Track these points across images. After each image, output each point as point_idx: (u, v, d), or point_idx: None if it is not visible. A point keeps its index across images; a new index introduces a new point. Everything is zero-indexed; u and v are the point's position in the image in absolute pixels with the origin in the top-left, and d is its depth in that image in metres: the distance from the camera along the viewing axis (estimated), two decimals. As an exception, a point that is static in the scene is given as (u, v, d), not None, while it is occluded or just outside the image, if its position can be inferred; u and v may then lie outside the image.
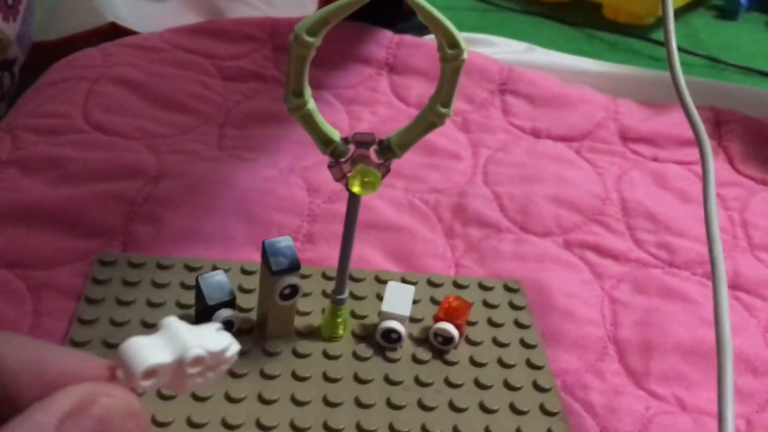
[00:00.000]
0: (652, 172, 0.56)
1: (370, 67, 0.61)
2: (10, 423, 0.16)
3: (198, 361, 0.19)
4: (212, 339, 0.19)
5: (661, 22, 0.77)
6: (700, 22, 1.03)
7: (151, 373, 0.18)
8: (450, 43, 0.29)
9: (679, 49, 0.48)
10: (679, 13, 1.00)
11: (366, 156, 0.32)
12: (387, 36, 0.63)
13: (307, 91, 0.30)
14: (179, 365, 0.19)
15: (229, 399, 0.34)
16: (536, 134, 0.59)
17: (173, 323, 0.19)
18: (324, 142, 0.31)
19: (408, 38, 0.63)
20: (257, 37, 0.61)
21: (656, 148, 0.59)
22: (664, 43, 0.47)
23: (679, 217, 0.52)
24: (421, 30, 0.67)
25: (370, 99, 0.58)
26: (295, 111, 0.30)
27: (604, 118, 0.61)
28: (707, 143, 0.40)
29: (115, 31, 0.63)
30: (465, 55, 0.29)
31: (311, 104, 0.30)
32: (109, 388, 0.18)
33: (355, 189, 0.32)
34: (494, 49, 0.67)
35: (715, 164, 0.58)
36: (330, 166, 0.32)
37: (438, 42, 0.29)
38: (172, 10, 0.67)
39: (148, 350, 0.18)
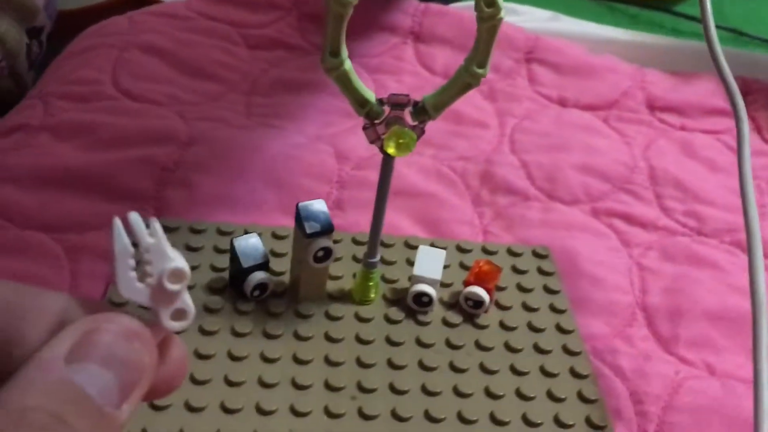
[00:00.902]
0: (679, 141, 0.56)
1: (395, 36, 0.61)
2: (20, 369, 0.16)
3: (178, 275, 0.19)
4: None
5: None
6: (722, -6, 1.01)
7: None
8: (487, 2, 0.29)
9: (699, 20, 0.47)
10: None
11: (401, 117, 0.32)
12: (412, 4, 0.62)
13: (344, 51, 0.30)
14: (159, 279, 0.19)
15: (265, 359, 0.34)
16: (563, 103, 0.59)
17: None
18: (359, 102, 0.31)
19: (433, 6, 0.62)
20: (282, 6, 0.61)
21: (684, 117, 0.59)
22: (698, 16, 0.47)
23: (707, 185, 0.51)
24: (446, -2, 0.67)
25: (396, 68, 0.58)
26: (332, 71, 0.30)
27: (631, 87, 0.60)
28: (744, 112, 0.39)
29: (140, 0, 0.63)
30: (502, 14, 0.29)
31: (348, 64, 0.30)
32: (109, 316, 0.18)
33: (390, 150, 0.32)
34: (519, 17, 0.67)
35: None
36: (365, 128, 0.32)
37: (475, 1, 0.29)
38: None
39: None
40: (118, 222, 0.19)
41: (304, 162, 0.46)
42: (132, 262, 0.19)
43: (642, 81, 0.61)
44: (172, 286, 0.19)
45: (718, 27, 0.86)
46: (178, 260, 0.19)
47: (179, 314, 0.19)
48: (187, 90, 0.51)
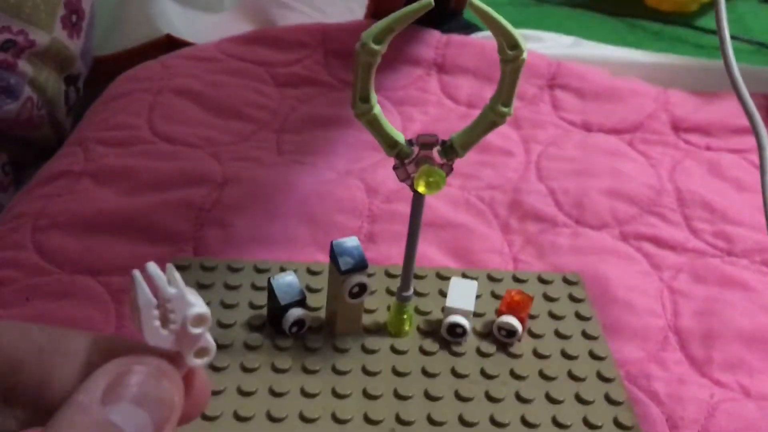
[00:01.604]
0: (706, 162, 0.56)
1: (419, 68, 0.62)
2: (58, 412, 0.17)
3: (200, 319, 0.19)
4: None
5: (705, 8, 0.75)
6: (745, 7, 1.02)
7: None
8: (510, 45, 0.30)
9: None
10: (725, -1, 0.98)
11: (430, 157, 0.33)
12: (435, 36, 0.64)
13: (373, 97, 0.31)
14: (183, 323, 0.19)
15: (305, 394, 0.35)
16: (587, 128, 0.59)
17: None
18: (389, 144, 0.33)
19: (455, 37, 0.64)
20: (308, 44, 0.63)
21: (709, 137, 0.59)
22: (716, 31, 0.47)
23: (735, 205, 0.52)
24: (468, 29, 0.68)
25: (421, 99, 0.59)
26: (362, 116, 0.31)
27: (655, 109, 0.61)
28: (764, 131, 0.40)
29: (170, 43, 0.65)
30: (525, 55, 0.30)
31: (377, 109, 0.32)
32: (139, 357, 0.19)
33: (421, 189, 0.33)
34: (541, 44, 0.68)
35: (770, 151, 0.58)
36: (395, 168, 0.33)
37: (498, 44, 0.30)
38: (225, 20, 0.69)
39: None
40: (138, 276, 0.20)
41: (335, 197, 0.47)
42: (156, 312, 0.20)
43: (666, 102, 0.62)
44: (195, 330, 0.20)
45: (740, 40, 0.87)
46: (199, 305, 0.20)
47: (202, 351, 0.20)
48: (220, 131, 0.53)
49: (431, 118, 0.58)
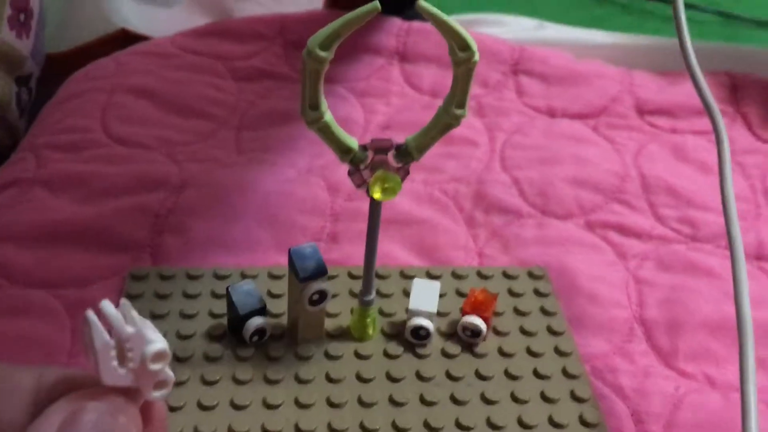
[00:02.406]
0: (670, 145, 0.56)
1: (380, 57, 0.61)
2: None
3: (160, 356, 0.19)
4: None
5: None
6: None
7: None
8: (461, 46, 0.29)
9: (690, 6, 0.47)
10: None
11: (385, 161, 0.32)
12: (396, 24, 0.63)
13: (323, 104, 0.30)
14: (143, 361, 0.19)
15: (267, 405, 0.34)
16: (552, 113, 0.59)
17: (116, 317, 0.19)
18: (343, 151, 0.32)
19: (417, 25, 0.63)
20: (266, 35, 0.61)
21: (674, 119, 0.59)
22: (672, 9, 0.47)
23: (700, 189, 0.52)
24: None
25: (384, 90, 0.58)
26: (313, 124, 0.30)
27: (619, 91, 0.60)
28: (719, 115, 0.39)
29: (126, 38, 0.64)
30: (477, 57, 0.29)
31: (328, 116, 0.31)
32: (93, 393, 0.18)
33: (376, 195, 0.32)
34: (504, 28, 0.67)
35: (734, 131, 0.58)
36: (350, 174, 0.33)
37: (449, 46, 0.29)
38: (182, 13, 0.67)
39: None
40: (92, 316, 0.19)
41: (296, 197, 0.47)
42: (113, 353, 0.19)
43: (630, 84, 0.61)
44: (155, 366, 0.19)
45: (704, 11, 0.86)
46: (159, 341, 0.19)
47: (160, 384, 0.20)
48: (177, 130, 0.52)
49: (394, 109, 0.57)
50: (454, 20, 0.29)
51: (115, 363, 0.19)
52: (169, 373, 0.20)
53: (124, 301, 0.20)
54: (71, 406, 0.18)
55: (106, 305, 0.19)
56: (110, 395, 0.19)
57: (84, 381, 0.19)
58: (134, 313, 0.19)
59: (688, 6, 0.64)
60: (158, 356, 0.19)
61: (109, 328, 0.19)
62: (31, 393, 0.19)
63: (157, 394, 0.20)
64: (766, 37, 0.84)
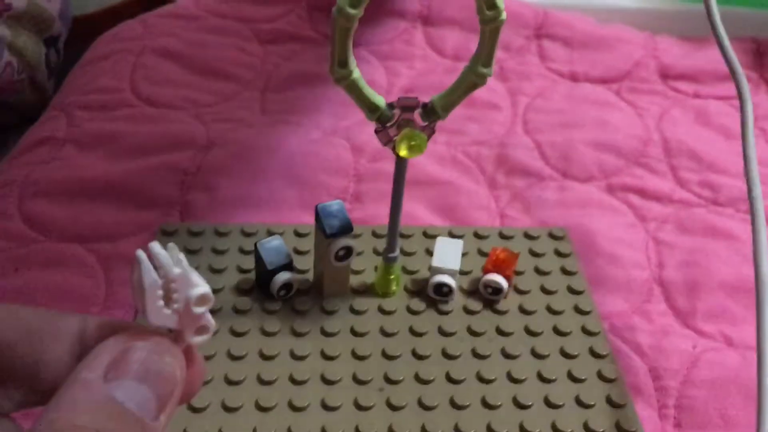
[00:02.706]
0: (693, 110, 0.56)
1: (404, 20, 0.61)
2: (60, 389, 0.18)
3: (204, 299, 0.20)
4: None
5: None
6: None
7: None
8: (489, 5, 0.30)
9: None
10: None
11: (411, 119, 0.33)
12: (419, -13, 0.63)
13: (352, 61, 0.31)
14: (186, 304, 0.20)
15: (294, 356, 0.36)
16: (574, 78, 0.59)
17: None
18: (370, 109, 0.32)
19: (440, -12, 0.63)
20: (291, -2, 0.62)
21: (697, 84, 0.59)
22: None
23: (721, 154, 0.52)
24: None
25: (407, 53, 0.59)
26: (341, 81, 0.31)
27: (643, 56, 0.60)
28: (744, 80, 0.39)
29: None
30: (503, 16, 0.30)
31: (356, 73, 0.31)
32: (140, 333, 0.19)
33: (403, 153, 0.33)
34: (528, -8, 0.66)
35: (758, 97, 0.58)
36: (377, 132, 0.33)
37: (477, 5, 0.30)
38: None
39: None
40: (143, 255, 0.20)
41: (321, 157, 0.47)
42: (160, 293, 0.20)
43: (654, 49, 0.61)
44: (198, 310, 0.20)
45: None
46: (203, 286, 0.20)
47: (201, 330, 0.20)
48: (203, 91, 0.52)
49: (417, 72, 0.57)
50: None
51: (161, 303, 0.20)
52: (210, 320, 0.21)
53: (171, 244, 0.20)
54: (120, 344, 0.19)
55: (155, 246, 0.20)
56: (156, 336, 0.19)
57: (129, 327, 0.20)
58: (181, 256, 0.20)
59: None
60: (202, 299, 0.20)
61: (157, 267, 0.20)
62: (75, 336, 0.20)
63: (198, 339, 0.20)
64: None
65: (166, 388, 0.19)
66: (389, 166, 0.36)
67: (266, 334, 0.37)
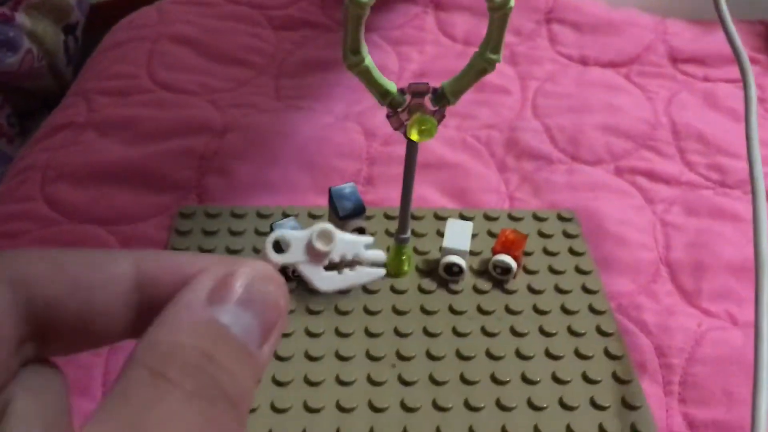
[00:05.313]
0: (702, 93, 0.57)
1: (415, 6, 0.62)
2: (165, 310, 0.17)
3: (325, 235, 0.20)
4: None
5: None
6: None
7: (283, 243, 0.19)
8: (497, -8, 0.30)
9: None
10: None
11: (421, 104, 0.34)
12: (430, -28, 0.63)
13: (364, 48, 0.32)
14: (309, 242, 0.19)
15: (309, 333, 0.37)
16: (584, 62, 0.59)
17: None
18: (381, 94, 0.33)
19: (451, -27, 0.63)
20: (303, -16, 0.62)
21: (706, 67, 0.59)
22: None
23: (729, 137, 0.52)
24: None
25: (418, 38, 0.59)
26: (353, 68, 0.32)
27: (652, 40, 0.61)
28: (747, 64, 0.40)
29: (166, -13, 0.65)
30: (512, 3, 0.31)
31: (368, 60, 0.32)
32: (244, 261, 0.18)
33: (414, 137, 0.34)
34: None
35: (767, 80, 0.58)
36: (388, 116, 0.34)
37: (486, -9, 0.30)
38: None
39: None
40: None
41: (334, 142, 0.48)
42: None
43: (664, 33, 0.61)
44: (322, 247, 0.20)
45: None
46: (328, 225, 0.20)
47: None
48: (218, 77, 0.53)
49: (428, 57, 0.58)
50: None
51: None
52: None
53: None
54: (223, 270, 0.18)
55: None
56: (260, 264, 0.18)
57: (189, 262, 0.19)
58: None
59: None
60: (325, 235, 0.20)
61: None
62: (130, 279, 0.18)
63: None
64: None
65: (271, 316, 0.18)
66: (401, 150, 0.37)
67: (282, 312, 0.38)
